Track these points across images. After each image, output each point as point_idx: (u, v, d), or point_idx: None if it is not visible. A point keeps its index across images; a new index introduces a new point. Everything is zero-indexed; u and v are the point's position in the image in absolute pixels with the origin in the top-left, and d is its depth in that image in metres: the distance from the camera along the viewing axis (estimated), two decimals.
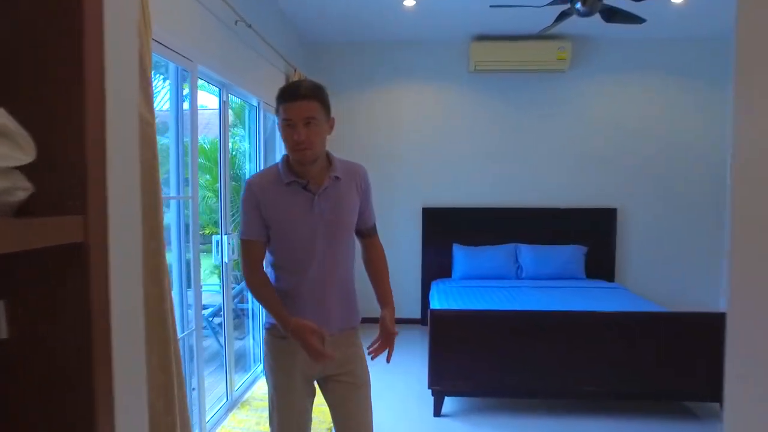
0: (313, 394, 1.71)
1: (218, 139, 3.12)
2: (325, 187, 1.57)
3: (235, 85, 3.16)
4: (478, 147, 5.00)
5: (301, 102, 1.48)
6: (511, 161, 4.98)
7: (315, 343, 1.50)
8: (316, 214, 1.57)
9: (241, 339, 4.46)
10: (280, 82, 3.94)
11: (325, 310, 1.61)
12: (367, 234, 1.78)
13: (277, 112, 1.56)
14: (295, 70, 4.14)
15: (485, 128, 4.98)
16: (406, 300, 5.07)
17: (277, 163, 1.64)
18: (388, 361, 1.68)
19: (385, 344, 1.67)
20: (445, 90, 4.99)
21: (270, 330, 1.65)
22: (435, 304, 3.92)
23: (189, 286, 2.59)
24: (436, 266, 4.92)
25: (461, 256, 4.77)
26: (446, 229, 4.94)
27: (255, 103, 3.66)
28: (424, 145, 5.03)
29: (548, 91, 4.90)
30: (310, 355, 1.51)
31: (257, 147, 3.68)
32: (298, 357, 1.57)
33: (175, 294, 2.30)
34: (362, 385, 1.67)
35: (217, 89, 3.08)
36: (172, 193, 2.47)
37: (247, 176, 3.65)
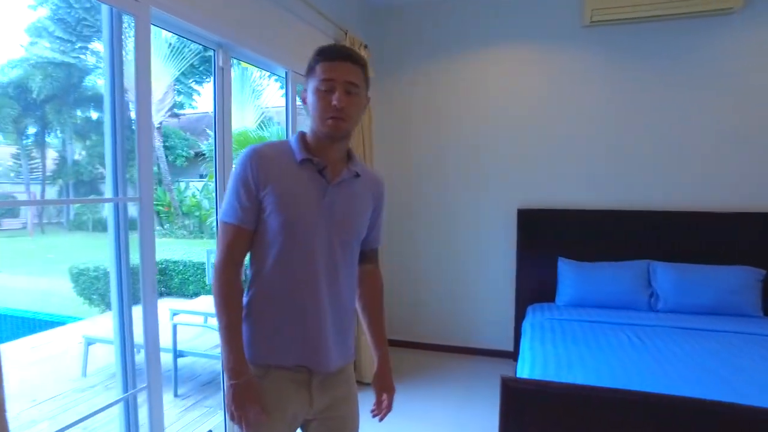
0: None
1: (213, 117, 2.36)
2: (342, 180, 1.33)
3: (242, 46, 2.40)
4: (594, 128, 3.70)
5: (347, 64, 1.28)
6: (642, 146, 3.60)
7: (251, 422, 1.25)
8: (325, 209, 1.30)
9: None
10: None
11: (321, 343, 1.31)
12: (368, 258, 1.50)
13: (310, 73, 1.31)
14: (346, 34, 3.29)
15: (604, 101, 3.66)
16: (494, 326, 3.98)
17: (287, 139, 1.37)
18: (381, 419, 1.48)
19: (390, 403, 1.48)
20: (550, 53, 3.76)
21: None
22: (525, 344, 2.81)
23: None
24: (534, 285, 3.75)
25: (569, 274, 3.54)
26: (549, 238, 3.73)
27: (282, 74, 2.86)
28: (520, 127, 3.86)
29: (703, 45, 3.42)
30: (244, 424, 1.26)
31: (286, 129, 2.90)
32: (276, 401, 1.30)
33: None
34: (353, 429, 1.44)
35: (212, 50, 2.32)
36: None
37: None
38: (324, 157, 1.32)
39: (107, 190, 1.74)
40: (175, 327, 3.48)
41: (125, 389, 1.82)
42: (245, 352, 1.29)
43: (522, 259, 3.79)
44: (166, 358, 3.37)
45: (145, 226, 1.84)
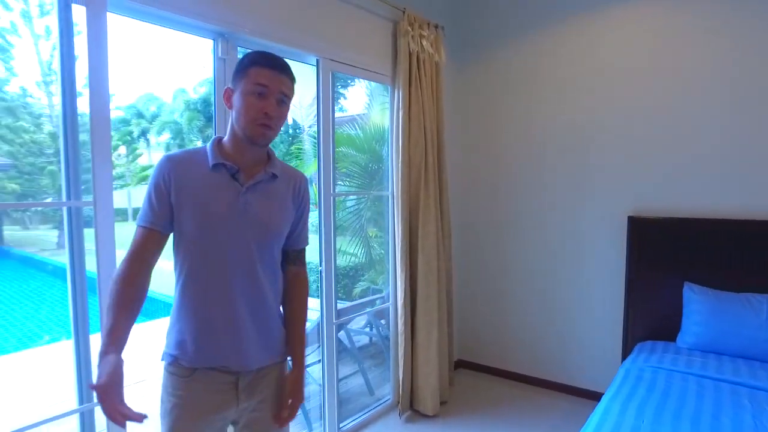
0: None
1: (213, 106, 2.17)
2: (257, 182, 1.33)
3: (252, 35, 2.18)
4: (733, 110, 2.66)
5: (283, 76, 1.29)
6: None
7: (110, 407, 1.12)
8: (240, 210, 1.29)
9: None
10: (374, 33, 2.83)
11: (239, 339, 1.30)
12: (293, 259, 1.46)
13: (241, 75, 1.28)
14: (404, 12, 2.87)
15: (757, 79, 2.60)
16: (595, 363, 3.17)
17: (204, 145, 1.35)
18: (281, 426, 1.41)
19: (293, 411, 1.42)
20: (675, 16, 2.81)
21: (170, 364, 1.31)
22: (602, 404, 2.08)
23: None
24: (649, 316, 2.86)
25: (698, 305, 2.59)
26: (672, 255, 2.80)
27: (313, 62, 2.58)
28: (633, 112, 2.98)
29: None
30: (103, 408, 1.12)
31: (327, 138, 2.61)
32: (201, 403, 1.30)
33: None
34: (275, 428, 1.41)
35: (211, 38, 2.13)
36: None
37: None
38: (239, 161, 1.32)
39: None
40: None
41: None
42: (174, 355, 1.30)
43: (633, 282, 2.91)
44: None
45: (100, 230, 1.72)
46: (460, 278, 3.75)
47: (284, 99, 1.30)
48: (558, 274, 3.30)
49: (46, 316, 7.29)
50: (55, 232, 13.17)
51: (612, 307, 3.07)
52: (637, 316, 2.89)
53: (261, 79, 1.26)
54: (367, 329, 4.03)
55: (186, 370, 1.29)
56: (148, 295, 1.27)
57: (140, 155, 16.12)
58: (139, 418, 1.12)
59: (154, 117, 18.81)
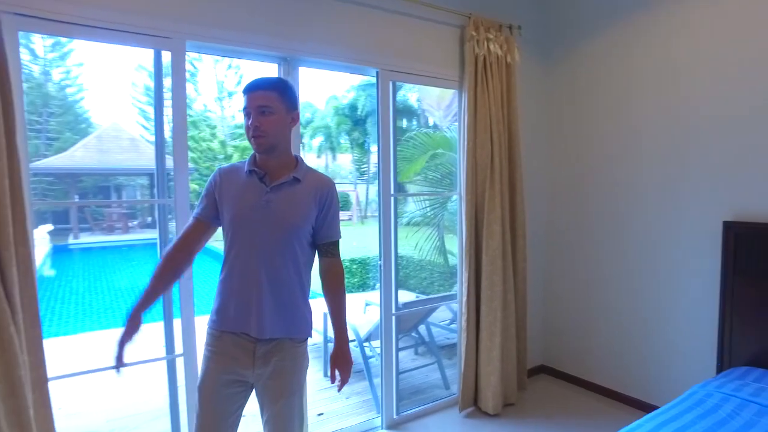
0: (237, 402, 1.65)
1: None
2: (280, 183, 1.61)
3: (312, 56, 2.50)
4: None
5: (257, 92, 1.56)
6: None
7: (121, 344, 1.54)
8: (262, 205, 1.58)
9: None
10: (440, 40, 2.97)
11: (259, 309, 1.58)
12: (325, 251, 1.72)
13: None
14: (469, 18, 2.94)
15: None
16: (683, 383, 2.83)
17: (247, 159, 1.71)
18: (339, 390, 1.72)
19: (345, 376, 1.71)
20: None
21: (208, 325, 1.66)
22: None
23: None
24: (747, 339, 2.48)
25: None
26: None
27: (373, 74, 2.80)
28: (731, 100, 2.59)
29: None
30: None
31: (386, 142, 2.83)
32: (224, 357, 1.60)
33: None
34: (285, 397, 1.62)
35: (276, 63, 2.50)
36: None
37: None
38: (265, 167, 1.63)
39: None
40: (325, 315, 3.89)
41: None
42: (212, 319, 1.63)
43: (731, 297, 2.54)
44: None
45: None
46: (544, 282, 3.63)
47: (265, 109, 1.55)
48: (646, 282, 3.01)
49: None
50: None
51: (702, 323, 2.71)
52: (737, 337, 2.52)
53: (245, 104, 1.58)
54: (453, 325, 4.12)
55: (217, 331, 1.62)
56: None
57: None
58: (117, 365, 1.54)
59: (308, 123, 20.84)
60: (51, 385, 1.89)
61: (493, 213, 2.98)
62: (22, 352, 1.76)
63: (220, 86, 15.77)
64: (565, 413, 3.01)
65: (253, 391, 1.68)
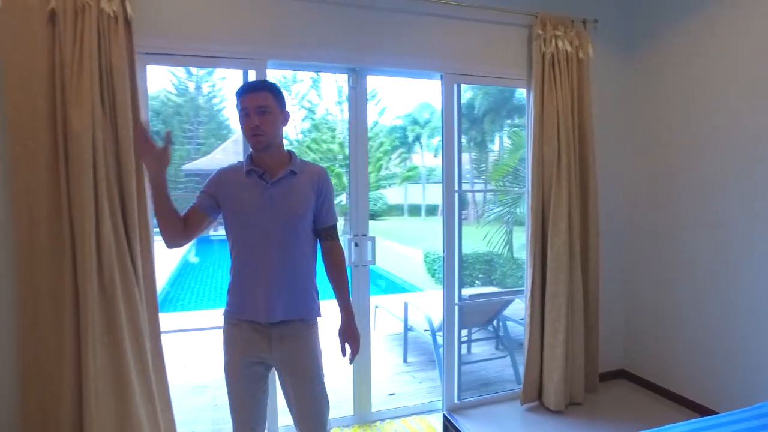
0: (261, 378, 1.82)
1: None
2: (279, 178, 1.73)
3: (378, 66, 2.79)
4: None
5: (254, 93, 1.69)
6: None
7: (139, 143, 1.68)
8: (266, 200, 1.71)
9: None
10: (507, 41, 3.07)
11: (268, 295, 1.71)
12: (325, 235, 1.84)
13: (236, 107, 1.75)
14: (536, 17, 2.98)
15: None
16: None
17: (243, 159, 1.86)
18: (350, 362, 1.86)
19: (355, 348, 1.85)
20: None
21: (225, 317, 1.81)
22: None
23: None
24: None
25: None
26: None
27: (437, 78, 2.98)
28: None
29: None
30: (138, 151, 1.90)
31: (450, 141, 3.00)
32: (240, 345, 1.77)
33: None
34: (307, 381, 1.77)
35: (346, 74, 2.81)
36: None
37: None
38: (263, 165, 1.76)
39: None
40: (406, 305, 4.16)
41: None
42: (228, 311, 1.79)
43: None
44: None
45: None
46: (623, 282, 3.49)
47: (263, 109, 1.66)
48: (743, 287, 2.77)
49: None
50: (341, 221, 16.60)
51: None
52: None
53: (242, 104, 1.68)
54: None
55: (235, 319, 1.76)
56: None
57: (406, 158, 18.46)
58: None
59: (426, 123, 21.22)
60: (174, 340, 2.41)
61: (559, 210, 2.99)
62: (142, 308, 2.30)
63: (339, 91, 16.92)
64: (633, 420, 2.90)
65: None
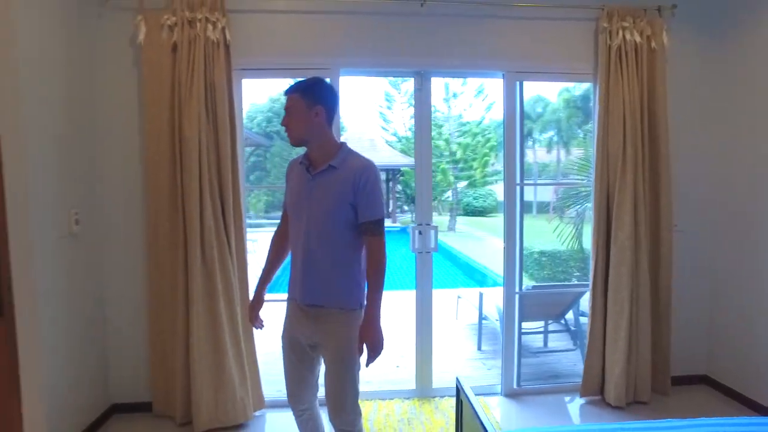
0: (305, 353, 1.93)
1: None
2: (320, 171, 1.82)
3: (441, 68, 3.02)
4: None
5: (287, 95, 1.84)
6: None
7: (251, 313, 2.10)
8: (308, 192, 1.83)
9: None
10: (573, 36, 3.10)
11: (302, 280, 1.85)
12: (363, 230, 1.82)
13: None
14: (603, 9, 2.97)
15: None
16: None
17: None
18: (367, 364, 1.80)
19: (371, 349, 1.78)
20: None
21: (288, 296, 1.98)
22: None
23: None
24: None
25: None
26: None
27: (499, 77, 3.10)
28: None
29: None
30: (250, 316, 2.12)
31: (511, 136, 3.12)
32: (289, 322, 1.95)
33: None
34: (334, 362, 1.85)
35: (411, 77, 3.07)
36: None
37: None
38: (311, 158, 1.88)
39: None
40: (480, 296, 4.32)
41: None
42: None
43: None
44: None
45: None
46: (710, 282, 3.28)
47: (288, 110, 1.81)
48: None
49: None
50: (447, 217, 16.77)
51: None
52: None
53: None
54: None
55: (288, 296, 1.96)
56: None
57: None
58: (259, 324, 2.07)
59: (539, 117, 20.41)
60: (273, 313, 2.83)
61: (624, 204, 2.95)
62: (234, 280, 2.83)
63: (446, 87, 17.05)
64: None
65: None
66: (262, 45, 2.92)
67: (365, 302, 1.83)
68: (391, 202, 17.77)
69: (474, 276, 9.71)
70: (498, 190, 20.15)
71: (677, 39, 3.09)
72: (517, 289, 3.21)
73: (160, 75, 2.75)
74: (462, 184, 17.79)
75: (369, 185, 1.79)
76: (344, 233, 1.81)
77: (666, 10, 3.02)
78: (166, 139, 2.77)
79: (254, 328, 2.15)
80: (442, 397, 3.20)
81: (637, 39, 2.94)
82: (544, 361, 4.00)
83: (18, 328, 2.34)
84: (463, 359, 4.15)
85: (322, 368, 1.94)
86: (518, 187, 3.16)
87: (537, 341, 4.39)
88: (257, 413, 2.95)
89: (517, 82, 3.11)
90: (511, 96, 3.10)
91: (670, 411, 2.95)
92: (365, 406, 3.06)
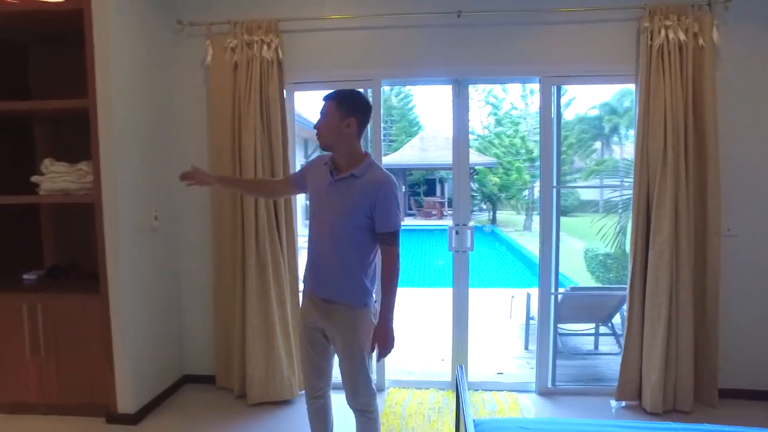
0: (319, 342, 2.07)
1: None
2: (342, 177, 1.93)
3: (479, 75, 3.15)
4: None
5: (324, 101, 1.97)
6: None
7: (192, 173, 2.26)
8: (328, 193, 1.96)
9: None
10: (614, 38, 3.09)
11: (317, 275, 2.01)
12: (380, 240, 1.95)
13: None
14: (644, 8, 2.93)
15: None
16: None
17: None
18: (378, 360, 2.04)
19: (381, 347, 1.95)
20: None
21: (303, 290, 2.14)
22: None
23: None
24: None
25: None
26: None
27: (536, 82, 3.15)
28: None
29: None
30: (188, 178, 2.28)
31: (548, 139, 3.17)
32: (303, 311, 2.13)
33: None
34: (345, 353, 2.00)
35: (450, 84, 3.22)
36: None
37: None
38: (336, 162, 1.99)
39: None
40: (528, 297, 4.35)
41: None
42: (304, 283, 2.12)
43: None
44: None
45: None
46: (759, 293, 3.09)
47: (321, 115, 1.94)
48: None
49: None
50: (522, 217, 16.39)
51: None
52: None
53: None
54: None
55: (305, 293, 2.11)
56: None
57: (594, 151, 16.99)
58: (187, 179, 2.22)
59: (626, 111, 19.19)
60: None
61: (663, 206, 2.89)
62: (285, 272, 3.18)
63: (523, 84, 16.60)
64: None
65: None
66: (311, 61, 3.23)
67: (370, 303, 1.99)
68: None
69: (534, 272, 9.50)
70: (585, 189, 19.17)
71: (730, 35, 2.95)
72: (552, 290, 3.26)
73: (223, 91, 3.17)
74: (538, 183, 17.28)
75: (387, 198, 1.90)
76: (355, 237, 1.93)
77: (718, 4, 2.90)
78: (227, 147, 3.18)
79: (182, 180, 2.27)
80: (476, 390, 3.33)
81: (682, 37, 2.86)
82: (591, 363, 3.96)
83: (111, 305, 2.87)
84: (509, 357, 4.23)
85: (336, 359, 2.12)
86: (554, 190, 3.20)
87: (588, 343, 4.33)
88: (302, 392, 3.28)
89: (554, 86, 3.15)
90: (547, 99, 3.15)
91: (709, 420, 2.85)
92: (401, 393, 3.30)
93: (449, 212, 19.92)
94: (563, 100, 17.00)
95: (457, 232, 3.30)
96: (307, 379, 2.15)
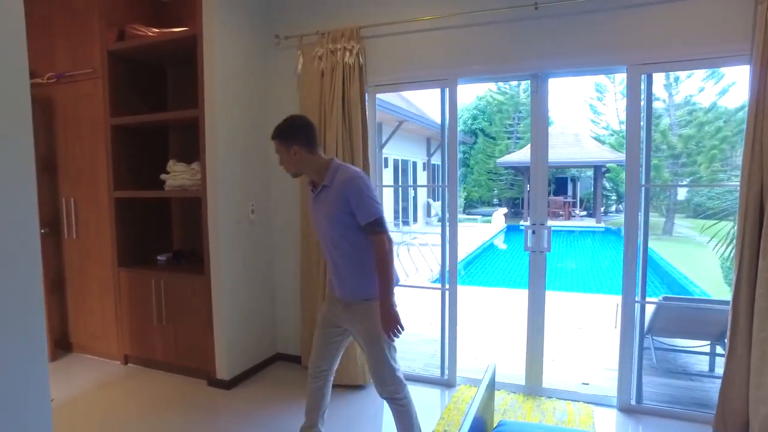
0: (332, 335, 2.32)
1: None
2: (318, 192, 2.18)
3: (558, 68, 3.01)
4: None
5: (274, 141, 2.20)
6: None
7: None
8: (315, 209, 2.21)
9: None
10: (720, 16, 2.73)
11: (334, 278, 2.26)
12: (366, 231, 2.11)
13: None
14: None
15: None
16: None
17: None
18: (389, 339, 2.14)
19: (386, 327, 2.10)
20: None
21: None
22: None
23: None
24: None
25: None
26: None
27: (623, 71, 2.87)
28: None
29: None
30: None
31: (634, 134, 2.90)
32: (326, 305, 2.37)
33: None
34: (366, 345, 2.20)
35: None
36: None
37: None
38: (311, 180, 2.22)
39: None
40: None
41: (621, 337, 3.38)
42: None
43: None
44: None
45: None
46: None
47: (277, 153, 2.17)
48: None
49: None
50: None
51: None
52: None
53: None
54: None
55: (327, 295, 2.37)
56: None
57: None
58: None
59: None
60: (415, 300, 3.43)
61: None
62: None
63: (666, 73, 14.77)
64: None
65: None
66: (390, 64, 3.38)
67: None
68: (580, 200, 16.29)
69: (672, 287, 8.47)
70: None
71: None
72: (637, 298, 2.97)
73: (311, 96, 3.47)
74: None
75: (357, 193, 2.05)
76: (349, 238, 2.12)
77: None
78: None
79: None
80: (549, 397, 3.18)
81: None
82: (700, 386, 3.50)
83: (212, 285, 3.35)
84: (600, 367, 3.92)
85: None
86: (643, 189, 2.91)
87: (701, 363, 3.82)
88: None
89: (643, 75, 2.86)
90: (634, 90, 2.88)
91: None
92: (471, 391, 3.29)
93: (582, 213, 18.56)
94: (719, 87, 14.80)
95: (533, 232, 3.18)
96: (315, 359, 2.37)
